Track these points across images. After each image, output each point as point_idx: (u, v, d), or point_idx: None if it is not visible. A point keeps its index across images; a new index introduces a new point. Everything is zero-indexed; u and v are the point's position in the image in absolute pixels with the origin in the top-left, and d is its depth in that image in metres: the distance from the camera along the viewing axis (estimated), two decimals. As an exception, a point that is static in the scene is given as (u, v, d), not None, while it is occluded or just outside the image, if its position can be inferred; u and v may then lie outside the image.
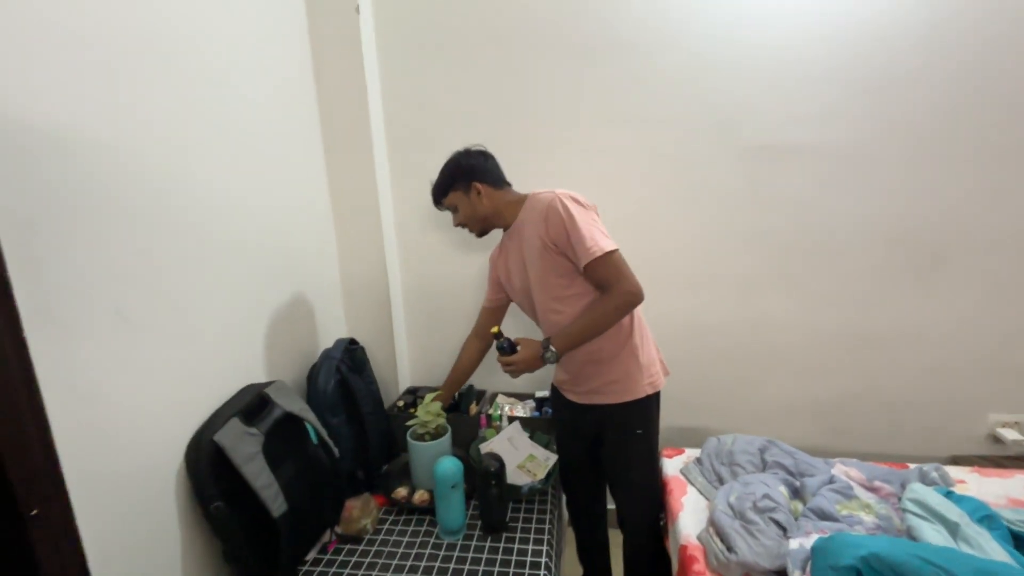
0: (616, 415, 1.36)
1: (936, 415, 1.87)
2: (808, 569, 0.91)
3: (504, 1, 1.72)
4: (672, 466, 1.46)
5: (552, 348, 1.27)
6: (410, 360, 2.03)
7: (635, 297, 1.22)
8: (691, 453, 1.50)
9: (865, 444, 1.90)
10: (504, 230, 1.45)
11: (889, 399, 1.87)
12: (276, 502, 1.16)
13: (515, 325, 1.75)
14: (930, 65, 1.59)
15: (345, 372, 1.56)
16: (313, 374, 1.54)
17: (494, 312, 1.61)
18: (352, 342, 1.65)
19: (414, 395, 1.87)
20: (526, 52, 1.74)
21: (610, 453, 1.42)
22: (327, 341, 1.66)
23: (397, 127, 1.85)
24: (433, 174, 1.44)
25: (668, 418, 1.86)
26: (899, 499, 1.22)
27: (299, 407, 1.32)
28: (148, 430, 1.03)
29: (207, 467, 1.10)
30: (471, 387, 1.85)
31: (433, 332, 2.01)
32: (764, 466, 1.34)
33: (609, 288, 1.22)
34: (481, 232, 1.45)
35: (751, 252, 1.80)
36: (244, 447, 1.15)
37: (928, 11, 1.55)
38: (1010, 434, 1.81)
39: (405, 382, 2.00)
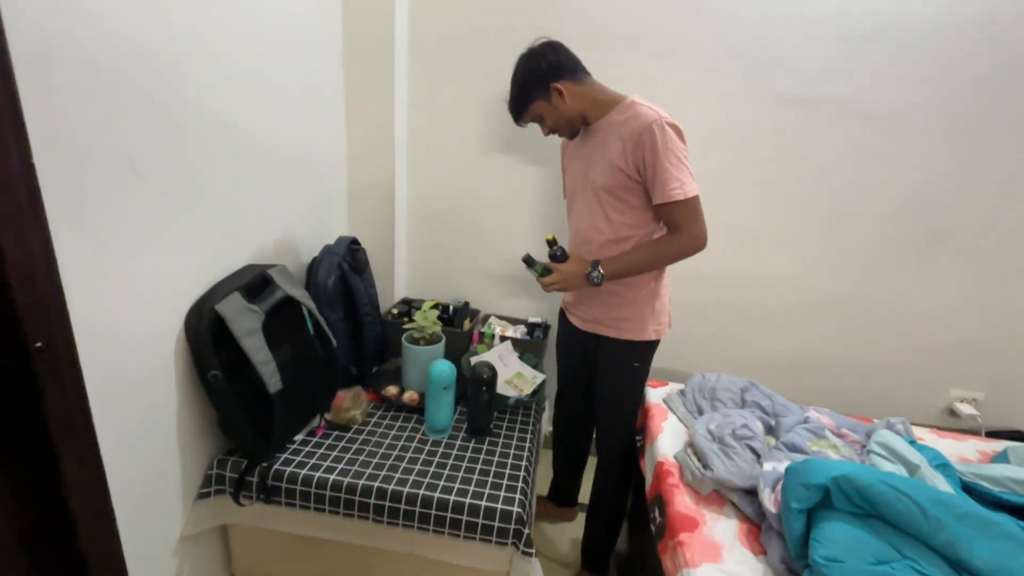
0: (617, 349, 1.37)
1: (903, 385, 1.97)
2: (778, 489, 0.98)
3: None
4: (655, 395, 1.52)
5: (600, 271, 1.24)
6: (408, 271, 2.03)
7: (701, 244, 1.21)
8: (675, 386, 1.56)
9: (831, 403, 1.99)
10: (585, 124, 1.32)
11: (863, 366, 1.96)
12: (272, 379, 1.18)
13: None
14: (994, 44, 1.54)
15: (346, 270, 1.55)
16: (313, 267, 1.52)
17: None
18: (355, 242, 1.63)
19: (409, 305, 1.88)
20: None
21: (604, 380, 1.44)
22: (328, 238, 1.64)
23: (422, 31, 1.75)
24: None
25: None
26: (862, 447, 1.31)
27: (300, 293, 1.31)
28: (152, 288, 1.02)
29: (207, 335, 1.10)
30: (466, 304, 1.87)
31: (434, 246, 2.00)
32: (743, 404, 1.41)
33: (679, 229, 1.20)
34: (573, 134, 1.35)
35: (764, 207, 1.80)
36: (245, 321, 1.15)
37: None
38: (966, 409, 1.92)
39: (401, 292, 2.01)
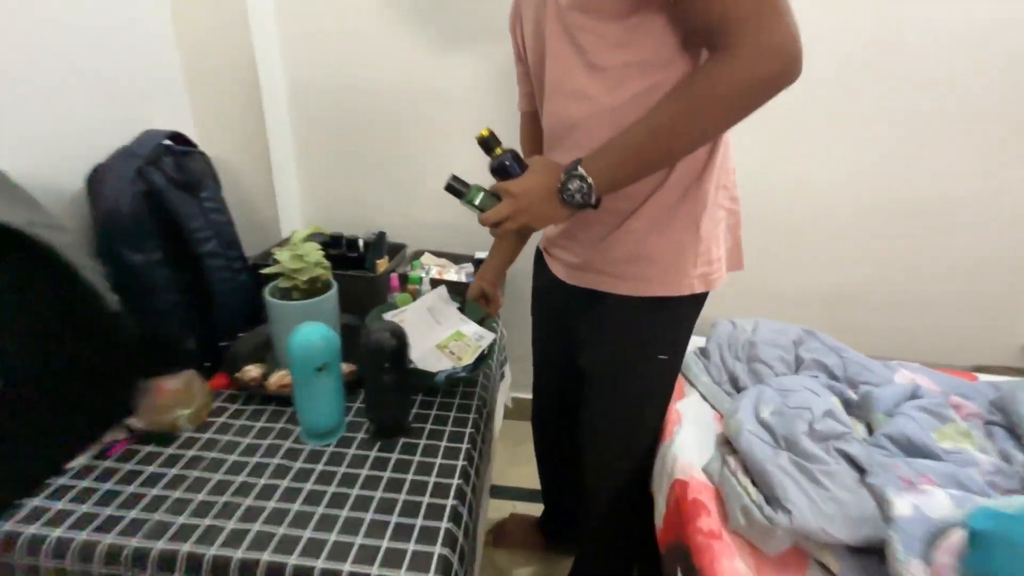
0: (631, 316, 0.79)
1: (968, 317, 1.52)
2: (942, 559, 0.48)
3: None
4: (661, 358, 1.00)
5: (585, 176, 0.63)
6: (300, 190, 1.43)
7: (784, 62, 0.55)
8: (693, 340, 1.04)
9: (879, 344, 1.53)
10: None
11: (919, 295, 1.50)
12: (-41, 378, 0.62)
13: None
14: None
15: (160, 184, 0.95)
16: (95, 180, 0.92)
17: (534, 119, 0.91)
18: (179, 139, 1.02)
19: (301, 242, 1.30)
20: None
21: (607, 373, 0.86)
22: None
23: None
24: None
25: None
26: (984, 422, 0.84)
27: (25, 218, 0.72)
28: None
29: None
30: (382, 235, 1.29)
31: (337, 150, 1.39)
32: (798, 366, 0.90)
33: (729, 40, 0.55)
34: None
35: (807, 81, 1.24)
36: None
37: None
38: (1051, 346, 1.50)
39: (292, 225, 1.42)
